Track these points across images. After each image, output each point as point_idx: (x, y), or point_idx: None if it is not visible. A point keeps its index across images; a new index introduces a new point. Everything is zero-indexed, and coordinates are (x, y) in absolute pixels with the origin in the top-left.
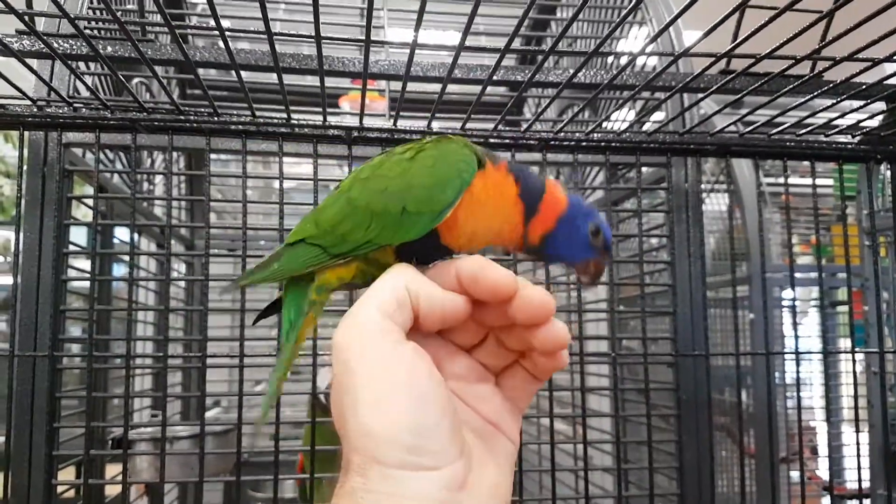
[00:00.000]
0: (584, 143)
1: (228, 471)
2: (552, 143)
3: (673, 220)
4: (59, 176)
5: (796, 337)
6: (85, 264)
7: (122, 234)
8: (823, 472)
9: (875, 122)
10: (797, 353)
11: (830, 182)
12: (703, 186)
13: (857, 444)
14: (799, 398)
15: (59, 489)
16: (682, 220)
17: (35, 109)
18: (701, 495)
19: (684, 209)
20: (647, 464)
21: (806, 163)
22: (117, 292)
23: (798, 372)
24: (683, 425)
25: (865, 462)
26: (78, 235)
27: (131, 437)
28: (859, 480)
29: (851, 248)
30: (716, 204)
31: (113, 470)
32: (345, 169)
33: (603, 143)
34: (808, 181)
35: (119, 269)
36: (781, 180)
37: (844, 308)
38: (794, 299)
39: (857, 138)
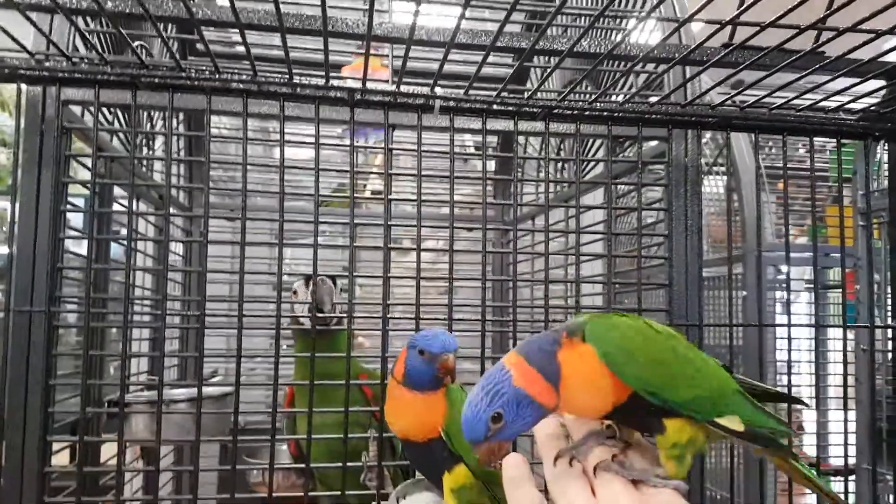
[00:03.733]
0: (586, 113)
1: (224, 434)
2: (555, 111)
3: (671, 194)
4: (58, 133)
5: (789, 311)
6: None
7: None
8: (809, 449)
9: (876, 99)
10: (789, 325)
11: (827, 166)
12: (702, 163)
13: (845, 421)
14: (790, 371)
15: (55, 447)
16: (681, 194)
17: (33, 63)
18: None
19: (683, 183)
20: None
21: (803, 151)
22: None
23: (790, 344)
24: None
25: (852, 439)
26: (76, 219)
27: (127, 399)
28: (845, 457)
29: (846, 230)
30: (714, 186)
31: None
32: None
33: (605, 113)
34: (806, 164)
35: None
36: (780, 163)
37: (836, 292)
38: (787, 273)
39: (857, 115)
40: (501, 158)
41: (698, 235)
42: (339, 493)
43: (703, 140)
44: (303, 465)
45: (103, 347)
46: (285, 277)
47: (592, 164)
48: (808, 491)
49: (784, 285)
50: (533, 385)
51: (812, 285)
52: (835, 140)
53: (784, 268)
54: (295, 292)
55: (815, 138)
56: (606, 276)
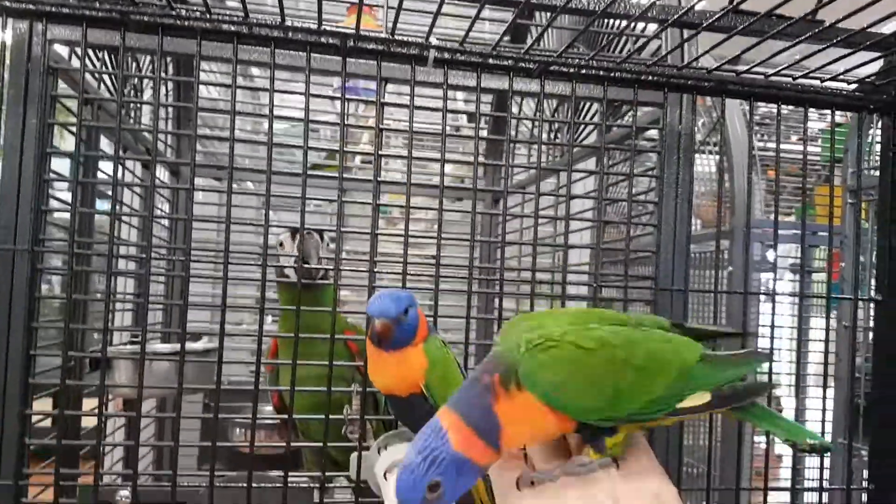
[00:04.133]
0: (583, 71)
1: (208, 390)
2: (551, 68)
3: (664, 161)
4: (44, 72)
5: (775, 275)
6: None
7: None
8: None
9: (873, 69)
10: (773, 293)
11: (818, 150)
12: (695, 139)
13: (824, 398)
14: (772, 342)
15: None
16: (673, 161)
17: None
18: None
19: (676, 150)
20: None
21: (795, 139)
22: (100, 226)
23: (773, 313)
24: None
25: (830, 416)
26: (62, 165)
27: (110, 353)
28: (822, 435)
29: (835, 209)
30: (705, 166)
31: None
32: (336, 104)
33: (602, 73)
34: (799, 148)
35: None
36: (772, 148)
37: (821, 274)
38: (774, 236)
39: (852, 86)
40: (494, 131)
41: (688, 203)
42: (320, 444)
43: (698, 122)
44: (285, 416)
45: (85, 303)
46: (272, 230)
47: (585, 133)
48: (784, 464)
49: (770, 266)
50: (472, 448)
51: (797, 265)
52: (826, 124)
53: (771, 254)
54: (281, 244)
55: (808, 126)
56: (595, 243)
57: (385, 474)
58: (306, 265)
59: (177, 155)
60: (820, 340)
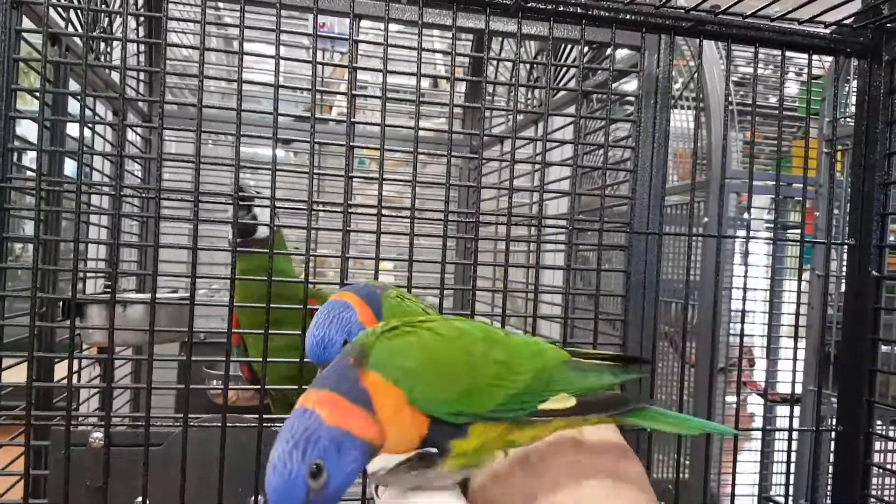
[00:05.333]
0: (560, 8)
1: (185, 337)
2: (528, 4)
3: (641, 105)
4: (6, 5)
5: (749, 215)
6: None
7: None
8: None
9: (854, 9)
10: (748, 238)
11: (794, 104)
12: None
13: (795, 348)
14: (745, 287)
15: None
16: (651, 105)
17: None
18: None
19: (654, 94)
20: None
21: (774, 100)
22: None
23: (747, 256)
24: (631, 307)
25: (801, 366)
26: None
27: (81, 299)
28: (793, 384)
29: (810, 161)
30: (681, 121)
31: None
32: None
33: (580, 10)
34: (776, 105)
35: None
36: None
37: (795, 235)
38: (750, 173)
39: (830, 29)
40: (471, 84)
41: (664, 148)
42: (296, 388)
43: (676, 81)
44: (257, 387)
45: (56, 251)
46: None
47: (565, 81)
48: (756, 424)
49: (744, 225)
50: (348, 417)
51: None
52: (803, 79)
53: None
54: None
55: (785, 79)
56: (571, 188)
57: (377, 489)
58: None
59: (149, 108)
60: (792, 291)
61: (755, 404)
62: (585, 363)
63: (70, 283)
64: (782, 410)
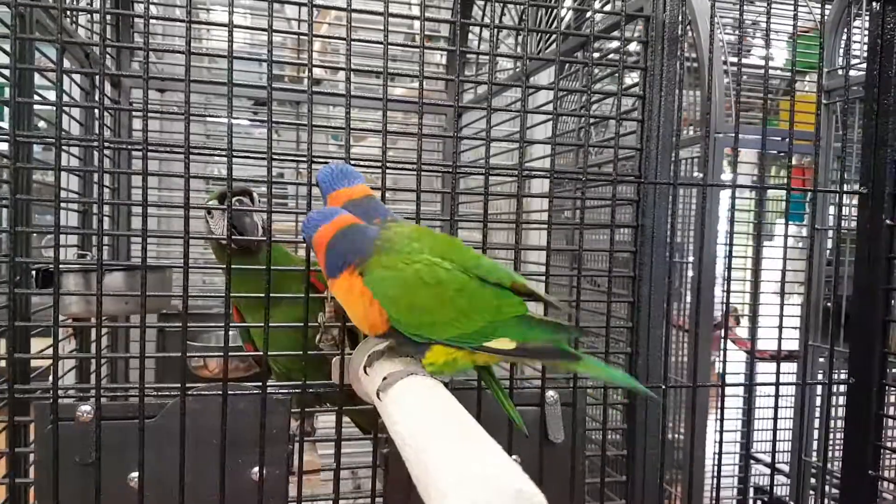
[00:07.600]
0: None
1: (163, 309)
2: None
3: (648, 53)
4: None
5: (735, 172)
6: None
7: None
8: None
9: None
10: (734, 186)
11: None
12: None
13: (781, 305)
14: (731, 245)
15: None
16: (658, 52)
17: None
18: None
19: (660, 40)
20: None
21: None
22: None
23: (733, 209)
24: (640, 264)
25: (793, 322)
26: None
27: (64, 267)
28: (779, 340)
29: (801, 116)
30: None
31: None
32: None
33: None
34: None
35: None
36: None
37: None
38: (736, 130)
39: None
40: (452, 54)
41: (677, 97)
42: (299, 353)
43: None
44: (259, 353)
45: (29, 215)
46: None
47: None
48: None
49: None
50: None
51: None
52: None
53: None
54: (210, 213)
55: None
56: (582, 140)
57: (364, 369)
58: (242, 236)
59: (117, 66)
60: (779, 247)
61: (738, 361)
62: (536, 320)
63: (41, 251)
64: (767, 367)
